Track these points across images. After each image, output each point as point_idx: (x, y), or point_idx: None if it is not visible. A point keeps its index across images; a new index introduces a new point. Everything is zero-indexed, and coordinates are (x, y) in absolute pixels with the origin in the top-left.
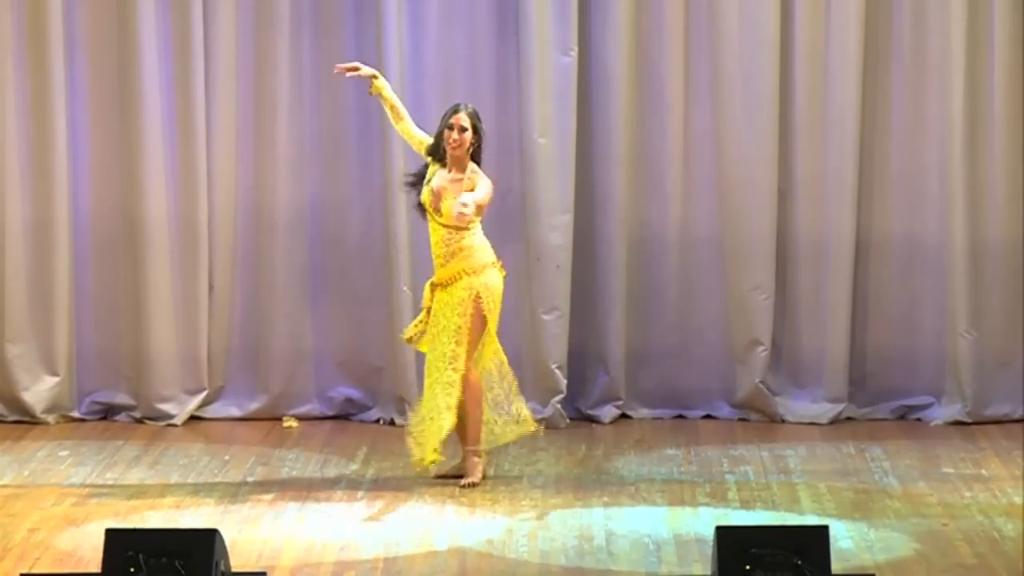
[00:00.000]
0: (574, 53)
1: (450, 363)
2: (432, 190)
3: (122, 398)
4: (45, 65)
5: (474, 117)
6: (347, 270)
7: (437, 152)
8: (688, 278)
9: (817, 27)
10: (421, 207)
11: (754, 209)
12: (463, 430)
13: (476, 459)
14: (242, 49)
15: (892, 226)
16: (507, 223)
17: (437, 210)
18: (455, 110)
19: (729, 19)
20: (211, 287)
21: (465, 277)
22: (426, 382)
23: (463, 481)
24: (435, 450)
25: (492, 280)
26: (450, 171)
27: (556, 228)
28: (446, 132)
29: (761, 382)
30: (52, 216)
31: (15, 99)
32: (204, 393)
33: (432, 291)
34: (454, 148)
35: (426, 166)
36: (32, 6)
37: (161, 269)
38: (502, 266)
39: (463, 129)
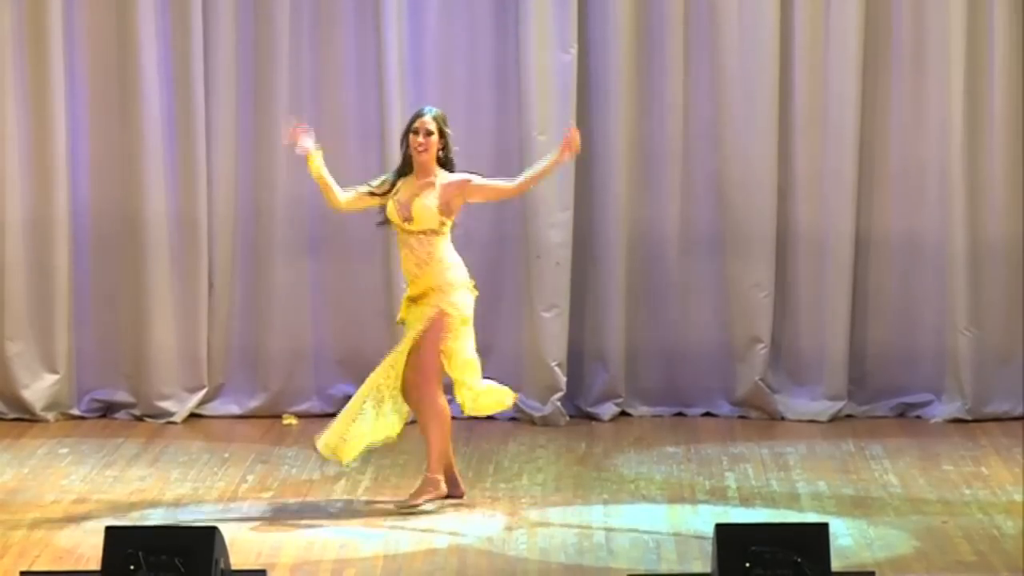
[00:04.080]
0: (574, 50)
1: (391, 369)
2: (398, 201)
3: (122, 396)
4: (45, 63)
5: (440, 120)
6: (346, 268)
7: (403, 166)
8: (688, 275)
9: (817, 24)
10: (385, 221)
11: (754, 206)
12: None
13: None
14: (242, 47)
15: (892, 224)
16: (506, 221)
17: (407, 218)
18: (419, 114)
19: (729, 16)
20: (211, 285)
21: (433, 294)
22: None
23: (408, 500)
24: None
25: (462, 300)
26: (417, 178)
27: (555, 225)
28: (411, 137)
29: (761, 380)
30: (52, 214)
31: (15, 97)
32: (204, 391)
33: (407, 305)
34: (420, 152)
35: (392, 182)
36: (32, 4)
37: (161, 267)
38: (475, 286)
39: (428, 133)
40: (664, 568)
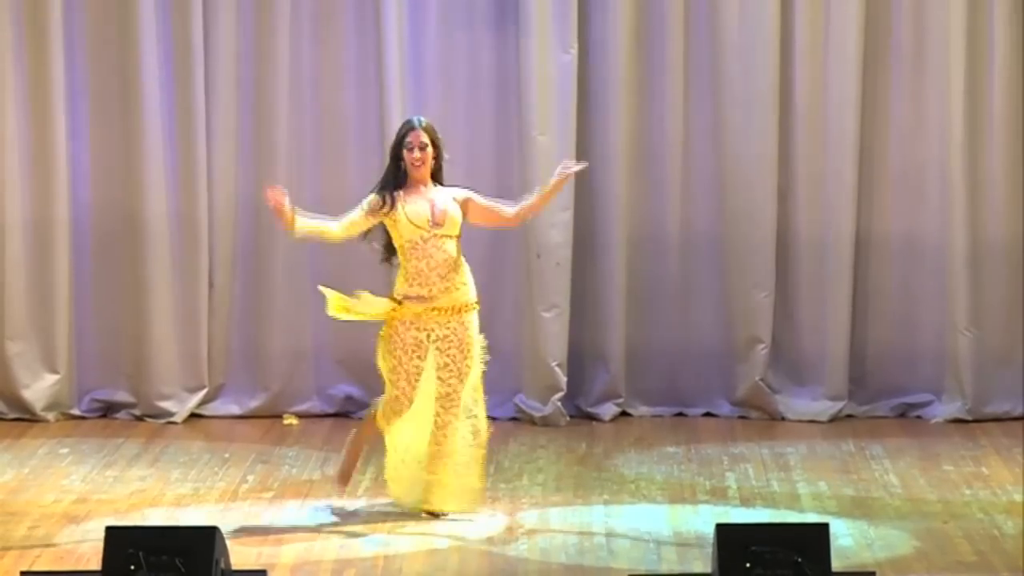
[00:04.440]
0: (574, 50)
1: (465, 409)
2: (415, 210)
3: (122, 396)
4: (45, 64)
5: (431, 131)
6: (347, 268)
7: (395, 179)
8: (688, 276)
9: (817, 25)
10: (388, 258)
11: (754, 207)
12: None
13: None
14: (242, 48)
15: (892, 224)
16: None
17: (440, 222)
18: (410, 127)
19: (729, 17)
20: (211, 285)
21: (469, 314)
22: (416, 424)
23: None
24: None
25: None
26: (415, 190)
27: (556, 225)
28: (405, 153)
29: (761, 380)
30: (52, 214)
31: (15, 98)
32: (204, 391)
33: (422, 309)
34: (417, 167)
35: (381, 226)
36: (32, 5)
37: (161, 267)
38: None
39: (423, 146)
40: (665, 568)
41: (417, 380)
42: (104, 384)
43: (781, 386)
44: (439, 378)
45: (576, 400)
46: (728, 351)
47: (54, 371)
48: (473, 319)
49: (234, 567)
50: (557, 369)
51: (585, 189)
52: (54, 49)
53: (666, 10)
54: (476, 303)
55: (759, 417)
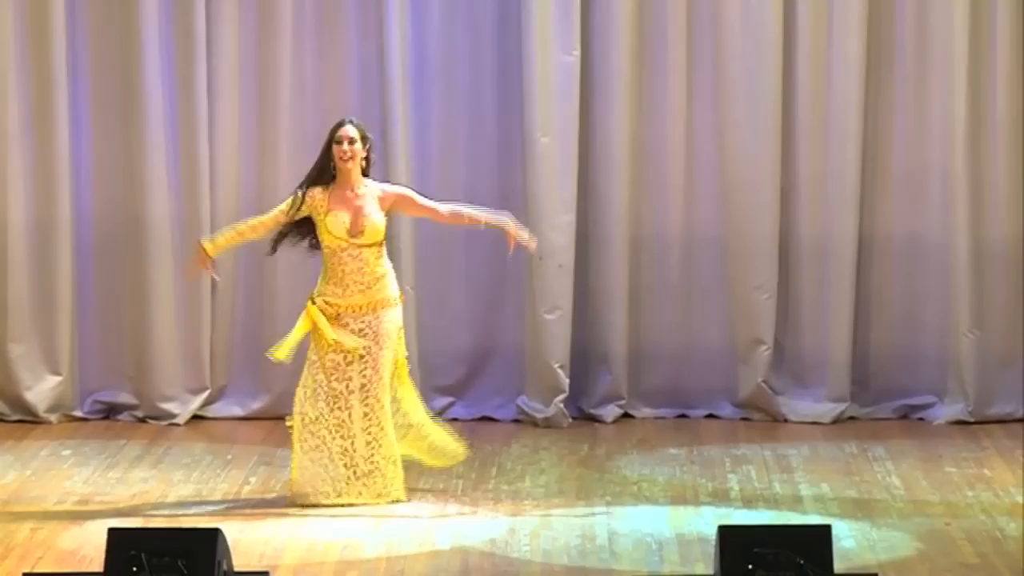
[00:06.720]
0: (577, 52)
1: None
2: (336, 215)
3: (124, 397)
4: (48, 65)
5: (361, 128)
6: None
7: (324, 174)
8: (691, 277)
9: (820, 26)
10: (317, 246)
11: (757, 209)
12: None
13: None
14: (245, 49)
15: (895, 225)
16: None
17: (359, 233)
18: (340, 124)
19: (732, 18)
20: (213, 286)
21: (386, 309)
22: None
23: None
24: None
25: (401, 315)
26: (341, 189)
27: (558, 227)
28: (335, 147)
29: (763, 381)
30: (55, 216)
31: (18, 99)
32: (207, 392)
33: (321, 314)
34: (346, 160)
35: (303, 195)
36: (35, 6)
37: (164, 268)
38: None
39: (352, 140)
40: (667, 570)
41: (333, 373)
42: (106, 386)
43: (783, 388)
44: (355, 370)
45: (578, 402)
46: (730, 353)
47: (56, 373)
48: (391, 314)
49: (236, 568)
50: (559, 371)
51: (587, 191)
52: (57, 51)
53: (669, 12)
54: (397, 299)
55: (761, 419)
